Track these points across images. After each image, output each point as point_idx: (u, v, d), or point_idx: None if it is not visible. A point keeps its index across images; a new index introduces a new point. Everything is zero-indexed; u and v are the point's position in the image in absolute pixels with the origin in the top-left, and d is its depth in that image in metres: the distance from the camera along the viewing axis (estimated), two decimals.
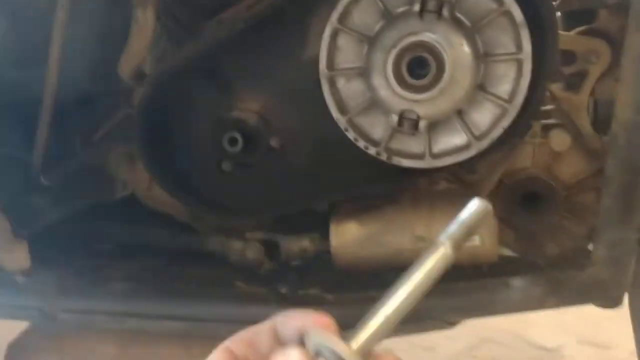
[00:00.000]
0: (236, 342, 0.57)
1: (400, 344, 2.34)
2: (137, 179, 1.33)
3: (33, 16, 1.19)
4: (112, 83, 1.29)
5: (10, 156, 1.25)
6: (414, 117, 1.06)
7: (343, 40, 1.08)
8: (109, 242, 1.35)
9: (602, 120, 1.17)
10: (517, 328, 2.36)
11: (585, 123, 1.18)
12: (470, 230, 0.55)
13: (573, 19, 1.19)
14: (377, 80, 1.06)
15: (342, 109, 1.11)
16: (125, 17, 1.22)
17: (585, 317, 2.31)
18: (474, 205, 0.55)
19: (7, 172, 1.23)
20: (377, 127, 1.11)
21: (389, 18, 1.05)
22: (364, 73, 1.08)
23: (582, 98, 1.18)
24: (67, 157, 1.28)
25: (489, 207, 0.56)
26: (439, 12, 1.02)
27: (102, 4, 1.23)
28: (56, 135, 1.23)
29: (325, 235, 1.20)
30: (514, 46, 1.04)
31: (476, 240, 1.13)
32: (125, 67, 1.18)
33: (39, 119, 1.20)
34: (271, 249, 1.28)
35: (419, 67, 1.04)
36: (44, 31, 1.16)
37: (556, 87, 1.18)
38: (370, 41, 1.07)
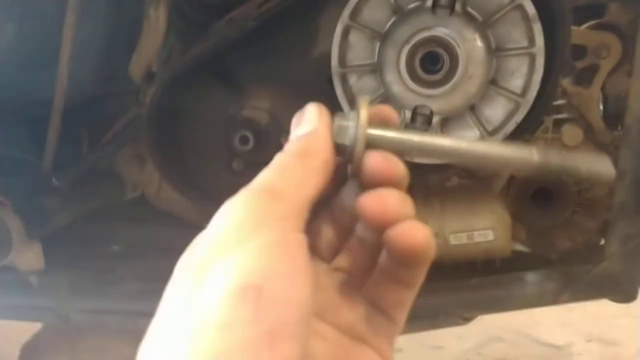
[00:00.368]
0: None
1: (408, 343, 2.35)
2: (147, 179, 1.33)
3: (41, 19, 1.19)
4: (120, 84, 1.29)
5: (20, 159, 1.25)
6: (427, 112, 1.06)
7: (354, 37, 1.08)
8: (120, 242, 1.35)
9: (613, 114, 1.17)
10: (525, 326, 2.36)
11: (596, 117, 1.18)
12: (574, 164, 0.50)
13: (583, 13, 1.19)
14: (390, 77, 1.06)
15: (355, 106, 1.10)
16: (133, 17, 1.22)
17: (592, 315, 2.32)
18: (603, 158, 0.51)
19: (18, 174, 1.23)
20: None
21: (401, 14, 1.05)
22: (376, 69, 1.08)
23: (593, 92, 1.18)
24: (77, 159, 1.28)
25: (612, 171, 0.51)
26: (451, 8, 1.02)
27: (109, 5, 1.23)
28: (65, 137, 1.23)
29: None
30: (527, 40, 1.04)
31: (490, 236, 1.13)
32: (136, 67, 1.18)
33: (48, 121, 1.19)
34: None
35: (432, 62, 1.04)
36: (52, 34, 1.16)
37: (567, 82, 1.18)
38: (382, 37, 1.07)
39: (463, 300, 1.15)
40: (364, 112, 0.51)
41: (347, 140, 0.50)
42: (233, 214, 0.44)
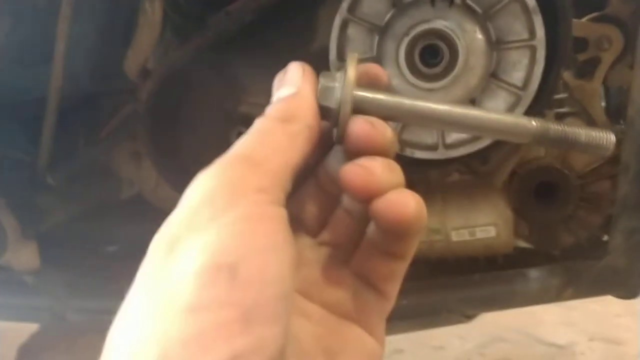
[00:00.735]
0: None
1: (410, 343, 2.33)
2: (144, 177, 1.32)
3: (36, 14, 1.18)
4: (117, 80, 1.28)
5: (15, 157, 1.24)
6: None
7: (353, 30, 1.07)
8: (116, 241, 1.34)
9: (615, 107, 1.15)
10: (528, 326, 2.34)
11: (598, 111, 1.17)
12: (573, 132, 0.48)
13: (584, 5, 1.17)
14: (390, 70, 1.04)
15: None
16: (128, 12, 1.21)
17: (595, 314, 2.30)
18: (604, 131, 0.48)
19: (13, 172, 1.21)
20: None
21: (400, 6, 1.04)
22: (375, 63, 1.07)
23: (595, 85, 1.16)
24: (73, 157, 1.26)
25: (611, 143, 0.48)
26: (450, 0, 1.01)
27: (105, 0, 1.22)
28: (61, 134, 1.21)
29: None
30: (527, 33, 1.02)
31: (492, 232, 1.12)
32: (132, 62, 1.17)
33: (43, 118, 1.18)
34: None
35: (432, 55, 1.02)
36: (48, 29, 1.15)
37: (569, 75, 1.17)
38: (381, 31, 1.05)
39: (465, 297, 1.13)
40: (351, 72, 0.47)
41: (332, 103, 0.46)
42: (206, 185, 0.41)
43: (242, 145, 0.44)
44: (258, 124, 0.45)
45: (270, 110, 0.46)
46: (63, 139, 1.23)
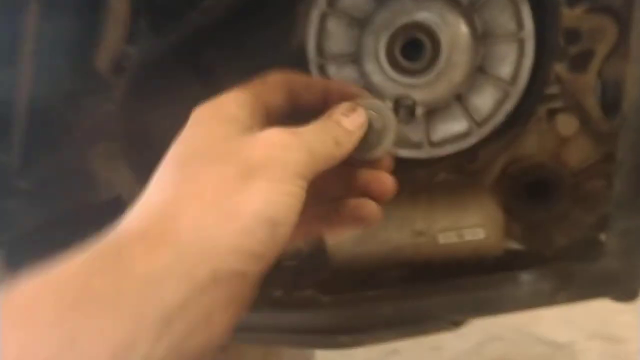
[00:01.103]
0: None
1: (406, 343, 2.29)
2: (122, 179, 1.27)
3: (8, 11, 1.14)
4: (93, 78, 1.23)
5: None
6: (410, 103, 0.99)
7: (332, 24, 1.02)
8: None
9: (611, 101, 1.10)
10: (527, 324, 2.30)
11: (592, 105, 1.11)
12: None
13: None
14: (370, 66, 0.99)
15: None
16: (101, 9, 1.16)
17: (595, 311, 2.25)
18: None
19: None
20: None
21: None
22: (355, 59, 1.02)
23: (589, 79, 1.11)
24: (45, 158, 1.22)
25: None
26: None
27: None
28: (35, 134, 1.17)
29: None
30: (515, 25, 0.98)
31: (480, 234, 1.07)
32: (102, 59, 1.12)
33: (14, 119, 1.14)
34: None
35: (414, 49, 0.97)
36: (22, 27, 1.11)
37: (561, 69, 1.11)
38: (361, 24, 1.00)
39: (452, 302, 1.08)
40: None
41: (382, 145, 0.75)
42: (280, 146, 0.59)
43: (313, 137, 0.63)
44: (327, 129, 0.65)
45: (336, 129, 0.65)
46: (37, 139, 1.19)
